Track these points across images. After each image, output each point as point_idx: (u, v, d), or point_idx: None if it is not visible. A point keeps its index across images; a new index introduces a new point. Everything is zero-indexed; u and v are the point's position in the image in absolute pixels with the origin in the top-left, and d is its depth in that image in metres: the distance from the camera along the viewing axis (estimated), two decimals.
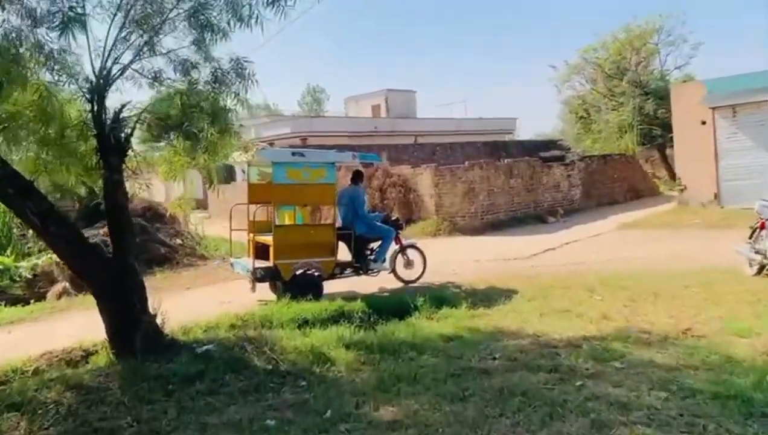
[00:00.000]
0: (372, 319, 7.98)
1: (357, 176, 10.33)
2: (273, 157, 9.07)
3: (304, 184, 9.09)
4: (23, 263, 12.57)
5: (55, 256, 12.59)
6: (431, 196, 18.10)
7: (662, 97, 30.84)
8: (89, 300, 7.70)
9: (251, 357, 6.35)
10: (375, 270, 10.07)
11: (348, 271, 9.86)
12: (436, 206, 17.98)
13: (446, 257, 12.97)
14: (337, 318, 8.00)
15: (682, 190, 19.56)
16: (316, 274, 9.35)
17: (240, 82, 7.22)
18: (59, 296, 11.81)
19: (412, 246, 10.77)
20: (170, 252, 15.47)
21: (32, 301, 11.58)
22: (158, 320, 6.99)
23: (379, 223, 10.26)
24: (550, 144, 34.80)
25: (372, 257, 10.13)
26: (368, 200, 18.90)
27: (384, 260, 10.25)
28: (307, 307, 8.20)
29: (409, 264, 10.63)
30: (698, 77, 27.84)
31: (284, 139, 34.57)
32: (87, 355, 7.20)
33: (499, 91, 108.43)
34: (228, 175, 40.35)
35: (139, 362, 6.27)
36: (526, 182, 19.59)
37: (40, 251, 13.61)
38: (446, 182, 17.94)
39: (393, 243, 10.37)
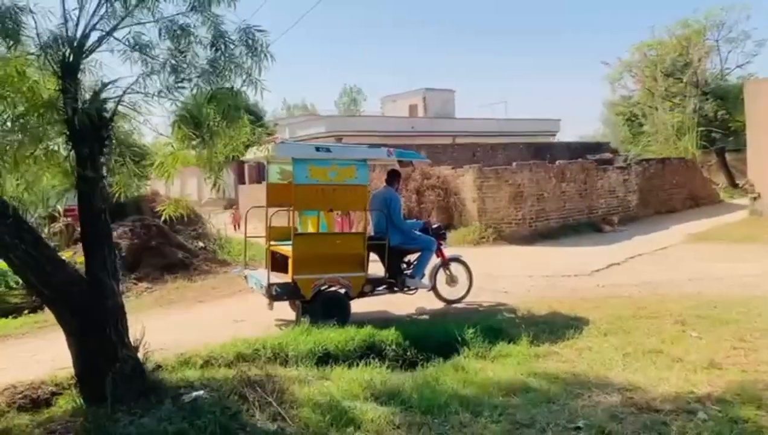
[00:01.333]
0: (409, 353, 6.43)
1: (393, 177, 8.78)
2: (293, 153, 7.57)
3: (331, 185, 7.59)
4: None
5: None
6: (474, 200, 16.45)
7: (722, 97, 28.65)
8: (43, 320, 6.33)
9: (252, 410, 4.84)
10: (412, 287, 8.51)
11: (380, 288, 8.32)
12: (479, 211, 16.32)
13: (493, 271, 11.33)
14: (366, 351, 6.47)
15: (755, 199, 17.51)
16: (342, 292, 7.85)
17: (251, 57, 5.75)
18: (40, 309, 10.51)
19: (457, 259, 9.17)
20: (188, 257, 14.14)
21: (27, 311, 10.33)
22: (141, 354, 5.54)
23: (417, 233, 8.69)
24: (598, 146, 32.72)
25: (409, 272, 8.57)
26: (404, 205, 17.45)
27: (423, 276, 8.68)
28: (330, 336, 6.67)
29: (452, 281, 9.05)
30: (761, 76, 25.63)
31: (319, 138, 33.35)
32: (56, 393, 5.83)
33: (539, 92, 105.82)
34: (258, 173, 39.30)
35: (109, 412, 4.83)
36: (580, 187, 17.76)
37: None
38: (491, 185, 16.26)
39: (434, 256, 8.80)
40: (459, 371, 5.68)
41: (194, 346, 6.99)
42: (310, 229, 8.29)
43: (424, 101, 42.89)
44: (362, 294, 7.92)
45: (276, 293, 7.48)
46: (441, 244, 8.92)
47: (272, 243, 8.38)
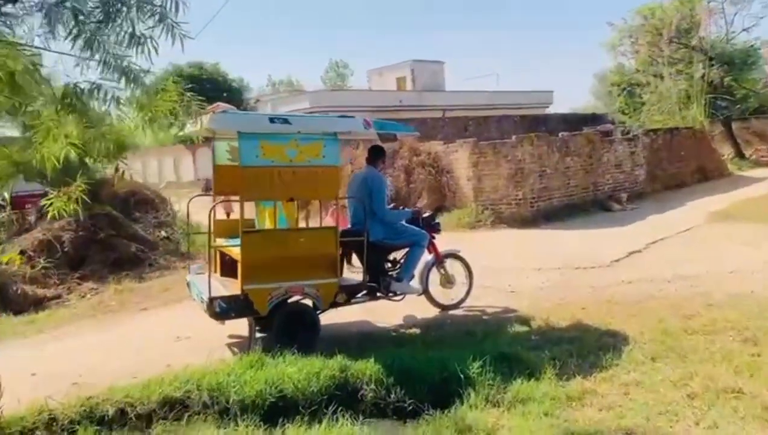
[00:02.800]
0: (393, 396, 4.72)
1: (375, 155, 6.99)
2: (236, 126, 5.75)
3: (290, 167, 5.82)
4: None
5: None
6: (468, 178, 14.69)
7: (728, 62, 26.92)
8: (29, 321, 4.50)
9: None
10: (399, 293, 6.78)
11: (359, 295, 6.60)
12: (474, 191, 14.57)
13: (494, 262, 9.65)
14: (336, 392, 4.77)
15: None
16: (308, 305, 6.12)
17: None
18: None
19: (453, 255, 7.45)
20: (144, 251, 12.33)
21: None
22: None
23: (405, 224, 6.95)
24: (595, 118, 30.94)
25: (395, 274, 6.85)
26: (391, 187, 15.62)
27: (412, 278, 6.96)
28: (288, 372, 4.93)
29: (448, 282, 7.34)
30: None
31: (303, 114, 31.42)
32: None
33: (530, 65, 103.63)
34: None
35: None
36: (584, 161, 16.00)
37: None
38: (487, 161, 14.49)
39: (425, 252, 7.08)
40: (464, 434, 3.97)
41: (115, 377, 5.33)
42: (268, 225, 6.51)
43: (412, 74, 41.03)
44: (335, 305, 6.18)
45: (220, 309, 5.72)
46: (434, 238, 7.19)
47: (219, 242, 6.62)
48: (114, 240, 12.02)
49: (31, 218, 12.34)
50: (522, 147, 14.37)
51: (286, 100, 38.94)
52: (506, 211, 14.23)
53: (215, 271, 6.77)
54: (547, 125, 28.22)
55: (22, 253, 10.86)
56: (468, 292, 7.44)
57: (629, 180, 17.57)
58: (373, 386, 4.79)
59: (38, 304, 9.21)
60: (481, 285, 8.34)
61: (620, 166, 17.33)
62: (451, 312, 7.27)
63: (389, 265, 6.96)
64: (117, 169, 13.72)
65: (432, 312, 7.25)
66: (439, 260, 7.25)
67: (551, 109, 41.94)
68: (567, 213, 14.67)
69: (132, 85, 4.16)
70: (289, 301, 6.02)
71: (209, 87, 37.64)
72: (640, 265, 9.09)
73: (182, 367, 5.26)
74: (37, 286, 9.69)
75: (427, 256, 7.24)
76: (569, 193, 15.43)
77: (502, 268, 9.56)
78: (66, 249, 11.26)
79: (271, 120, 5.84)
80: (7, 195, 16.53)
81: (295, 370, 4.94)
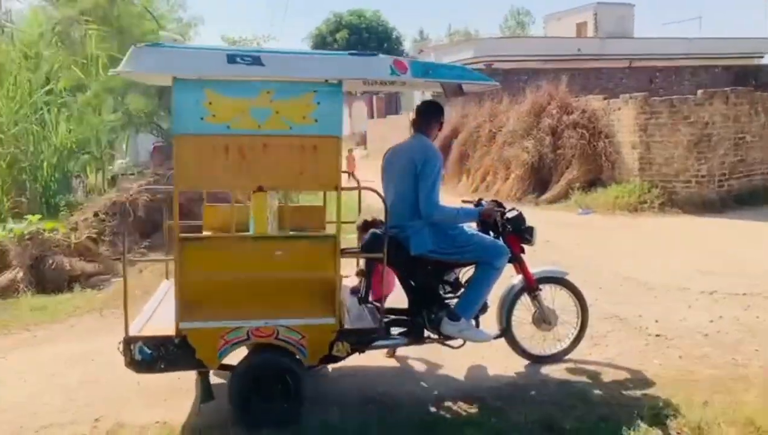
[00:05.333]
0: None
1: (427, 116, 4.35)
2: (167, 66, 3.48)
3: (259, 136, 3.54)
4: None
5: (24, 226, 8.53)
6: (634, 145, 11.35)
7: None
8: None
9: None
10: (456, 334, 4.25)
11: (394, 335, 4.24)
12: (640, 162, 11.24)
13: (643, 270, 6.81)
14: None
15: None
16: (286, 357, 3.82)
17: None
18: (2, 292, 7.64)
19: (556, 279, 4.72)
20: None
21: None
22: None
23: (470, 231, 4.36)
24: None
25: (454, 304, 4.32)
26: (532, 150, 12.33)
27: (480, 312, 4.40)
28: None
29: (545, 320, 4.63)
30: None
31: (466, 65, 28.66)
32: None
33: (742, 4, 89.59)
34: (389, 104, 35.55)
35: None
36: None
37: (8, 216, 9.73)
38: (661, 123, 11.02)
39: (501, 272, 4.41)
40: None
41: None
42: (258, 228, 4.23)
43: (595, 18, 36.17)
44: (331, 359, 3.85)
45: (143, 357, 3.66)
46: (521, 252, 4.51)
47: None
48: (194, 205, 10.62)
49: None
50: (711, 105, 10.68)
51: (449, 49, 36.10)
52: (682, 190, 10.77)
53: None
54: (759, 79, 22.88)
55: (95, 214, 9.83)
56: (577, 338, 4.70)
57: None
58: None
59: (75, 280, 7.95)
60: (610, 314, 5.58)
61: None
62: (546, 368, 4.60)
63: (447, 287, 4.46)
64: None
65: (514, 365, 4.64)
66: (531, 287, 4.58)
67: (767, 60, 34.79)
68: None
69: None
70: (256, 350, 3.82)
71: (367, 36, 36.18)
72: None
73: None
74: (84, 259, 8.45)
75: (515, 282, 4.61)
76: None
77: (656, 283, 6.60)
78: (138, 213, 10.01)
79: (231, 58, 3.52)
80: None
81: None
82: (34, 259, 7.91)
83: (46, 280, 7.86)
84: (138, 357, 3.65)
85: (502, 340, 4.61)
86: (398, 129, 23.68)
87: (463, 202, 4.87)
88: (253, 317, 3.69)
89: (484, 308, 4.45)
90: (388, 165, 4.41)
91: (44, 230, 8.28)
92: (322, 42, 39.28)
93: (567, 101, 12.73)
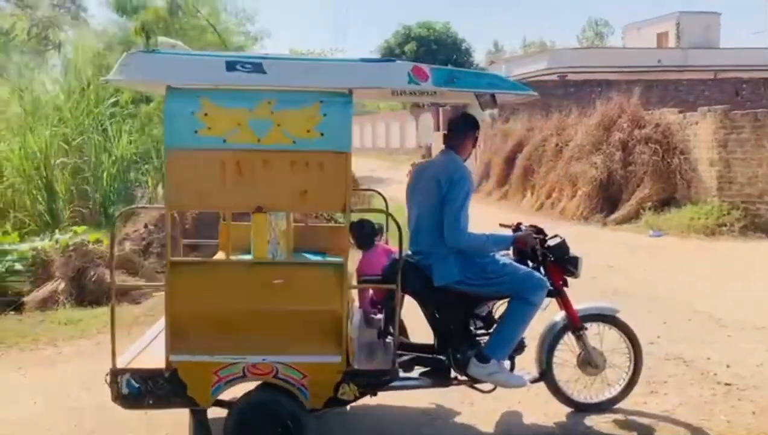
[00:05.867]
0: None
1: (459, 130, 3.89)
2: (161, 73, 3.17)
3: (258, 151, 3.19)
4: (23, 245, 8.61)
5: (69, 237, 8.52)
6: (711, 162, 10.45)
7: None
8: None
9: None
10: (485, 377, 3.74)
11: (414, 376, 3.79)
12: (719, 181, 10.33)
13: (721, 304, 6.09)
14: None
15: None
16: (287, 397, 3.41)
17: None
18: (43, 304, 7.63)
19: (604, 317, 4.11)
20: None
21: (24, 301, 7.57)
22: None
23: (503, 259, 3.84)
24: None
25: (484, 343, 3.82)
26: (600, 167, 11.51)
27: (516, 351, 3.86)
28: None
29: (591, 364, 4.04)
30: None
31: (538, 76, 27.86)
32: None
33: None
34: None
35: None
36: None
37: (68, 225, 9.76)
38: (743, 139, 10.08)
39: (537, 308, 3.85)
40: None
41: None
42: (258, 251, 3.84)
43: (677, 28, 34.51)
44: (336, 402, 3.43)
45: (130, 391, 3.35)
46: (563, 285, 3.96)
47: (220, 256, 4.22)
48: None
49: None
50: None
51: (520, 61, 35.31)
52: (766, 213, 9.77)
53: None
54: None
55: (145, 226, 9.82)
56: (629, 385, 4.08)
57: None
58: None
59: (118, 294, 7.85)
60: (673, 355, 4.96)
61: None
62: (591, 418, 4.02)
63: (479, 322, 3.96)
64: None
65: (555, 413, 4.08)
66: (575, 325, 4.02)
67: None
68: None
69: None
70: (254, 388, 3.45)
71: (436, 48, 35.84)
72: None
73: None
74: (127, 272, 8.38)
75: (557, 319, 4.07)
76: None
77: (730, 319, 5.87)
78: (186, 225, 9.93)
79: (230, 65, 3.19)
80: None
81: None
82: (77, 270, 7.87)
83: (87, 292, 7.79)
84: (125, 391, 3.36)
85: (542, 383, 4.06)
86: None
87: (501, 226, 4.37)
88: (250, 352, 3.33)
89: (521, 347, 3.94)
90: (414, 183, 3.98)
91: (88, 242, 8.26)
92: (390, 54, 39.22)
93: (639, 114, 11.90)
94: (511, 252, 3.99)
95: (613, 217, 11.66)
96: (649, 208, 11.10)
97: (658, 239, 10.01)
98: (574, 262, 3.98)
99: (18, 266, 8.17)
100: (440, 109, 36.27)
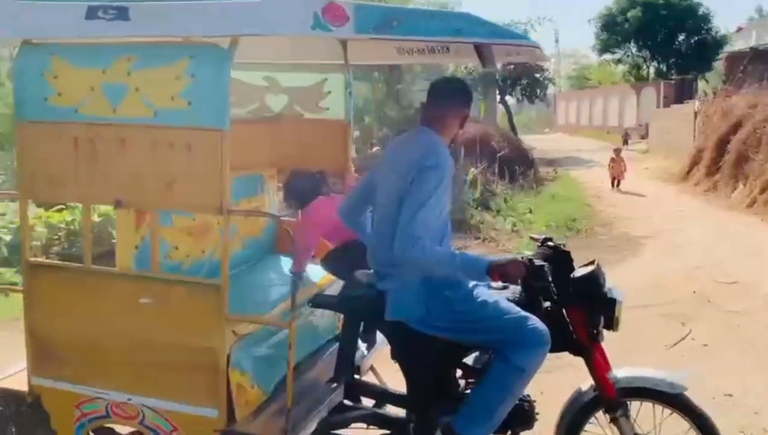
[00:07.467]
0: None
1: (438, 103, 2.65)
2: (16, 28, 2.43)
3: (112, 125, 2.38)
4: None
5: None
6: None
7: None
8: None
9: None
10: None
11: None
12: None
13: None
14: None
15: None
16: None
17: None
18: None
19: (657, 393, 2.60)
20: None
21: None
22: None
23: (486, 296, 2.54)
24: None
25: (466, 405, 2.62)
26: (722, 173, 8.23)
27: (515, 429, 2.60)
28: None
29: None
30: None
31: None
32: None
33: None
34: (681, 90, 30.34)
35: None
36: None
37: None
38: None
39: (527, 375, 2.44)
40: None
41: None
42: (129, 258, 2.75)
43: None
44: None
45: None
46: (593, 341, 2.56)
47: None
48: None
49: None
50: None
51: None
52: None
53: None
54: None
55: None
56: None
57: None
58: None
59: None
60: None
61: None
62: None
63: (460, 383, 2.76)
64: None
65: None
66: (610, 399, 2.61)
67: None
68: None
69: None
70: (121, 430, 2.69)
71: (665, 14, 31.84)
72: None
73: None
74: None
75: (587, 389, 2.71)
76: None
77: None
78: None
79: (91, 12, 2.39)
80: None
81: None
82: None
83: None
84: None
85: None
86: (682, 121, 20.19)
87: (531, 238, 3.07)
88: (113, 388, 2.56)
89: (529, 418, 2.67)
90: (381, 172, 2.85)
91: None
92: (612, 22, 35.80)
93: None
94: (519, 285, 2.67)
95: None
96: None
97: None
98: (611, 305, 2.58)
99: None
100: (662, 84, 32.26)
